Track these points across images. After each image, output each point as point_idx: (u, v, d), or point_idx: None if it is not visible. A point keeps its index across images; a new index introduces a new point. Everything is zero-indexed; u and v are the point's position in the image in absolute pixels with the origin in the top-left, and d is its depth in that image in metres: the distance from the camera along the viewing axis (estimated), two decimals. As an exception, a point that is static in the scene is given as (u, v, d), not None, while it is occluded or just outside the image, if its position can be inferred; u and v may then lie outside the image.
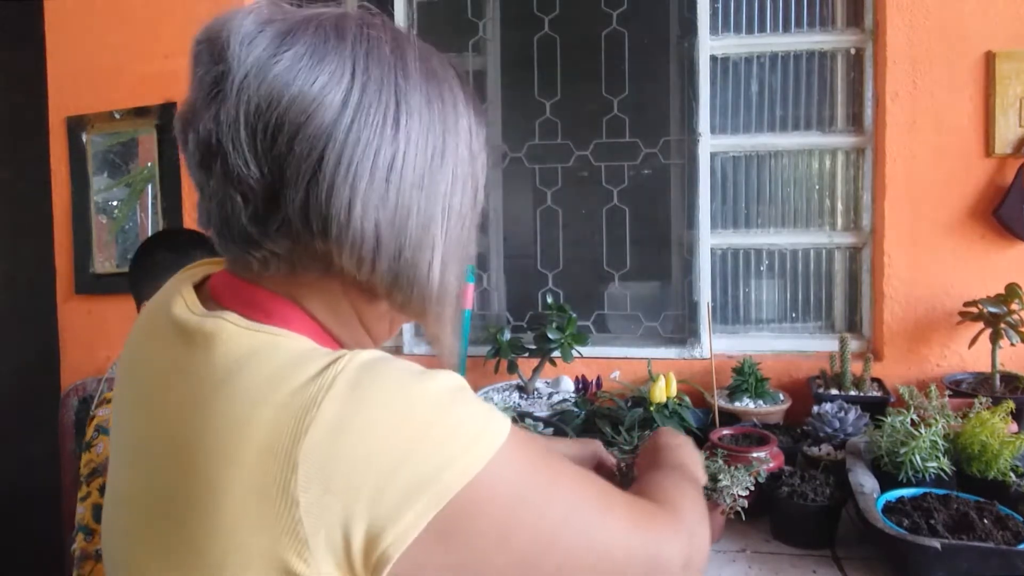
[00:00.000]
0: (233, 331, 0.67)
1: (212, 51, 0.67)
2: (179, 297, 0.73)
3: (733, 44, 2.36)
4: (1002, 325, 1.97)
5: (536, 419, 1.95)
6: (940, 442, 1.50)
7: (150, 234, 2.56)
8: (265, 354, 0.65)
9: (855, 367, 2.09)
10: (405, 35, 0.72)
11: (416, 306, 0.72)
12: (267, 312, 0.70)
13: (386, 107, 0.67)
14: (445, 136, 0.71)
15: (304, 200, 0.65)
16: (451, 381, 0.65)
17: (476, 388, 1.92)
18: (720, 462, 1.52)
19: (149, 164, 2.55)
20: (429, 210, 0.70)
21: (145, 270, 1.75)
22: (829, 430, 1.78)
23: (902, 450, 1.50)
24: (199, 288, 0.76)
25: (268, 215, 0.67)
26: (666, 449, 1.09)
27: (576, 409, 2.04)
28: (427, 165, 0.69)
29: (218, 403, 0.63)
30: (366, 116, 0.66)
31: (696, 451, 1.15)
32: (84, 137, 2.58)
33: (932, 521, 1.33)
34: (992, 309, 1.98)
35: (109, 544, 0.75)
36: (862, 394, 2.01)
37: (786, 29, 2.35)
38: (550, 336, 2.17)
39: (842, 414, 1.80)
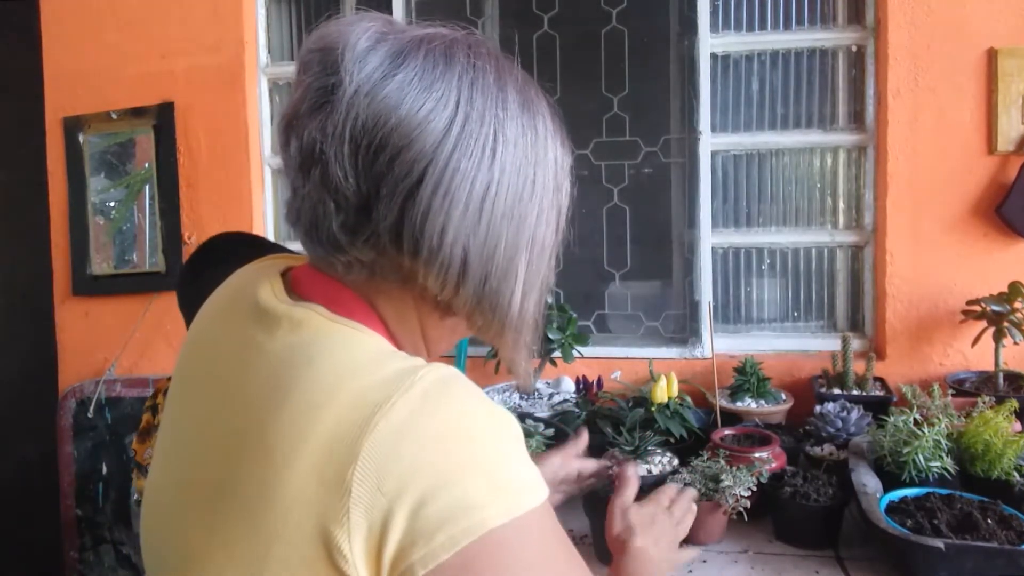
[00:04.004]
0: (321, 321, 0.70)
1: (325, 61, 0.69)
2: (267, 284, 0.76)
3: (734, 42, 2.35)
4: (1005, 323, 1.96)
5: (537, 420, 1.94)
6: (943, 442, 1.49)
7: (148, 237, 2.55)
8: (349, 346, 0.68)
9: (857, 366, 2.08)
10: (508, 65, 0.75)
11: (495, 331, 0.76)
12: (348, 309, 0.72)
13: (485, 137, 0.69)
14: (535, 168, 0.73)
15: (397, 219, 0.68)
16: (514, 426, 0.68)
17: (476, 388, 1.91)
18: (722, 462, 1.52)
19: (147, 165, 2.54)
20: (516, 240, 0.72)
21: (195, 293, 1.61)
22: (831, 430, 1.76)
23: (905, 450, 1.49)
24: (281, 278, 0.79)
25: (358, 226, 0.69)
26: (639, 558, 1.06)
27: (577, 409, 2.03)
28: (518, 196, 0.72)
29: (298, 385, 0.64)
30: (466, 146, 0.68)
31: (668, 551, 1.11)
32: (81, 138, 2.57)
33: (935, 521, 1.32)
34: (995, 307, 1.96)
35: (152, 516, 0.76)
36: (864, 393, 2.00)
37: (787, 26, 2.34)
38: (551, 336, 2.16)
39: (844, 414, 1.79)
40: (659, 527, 1.11)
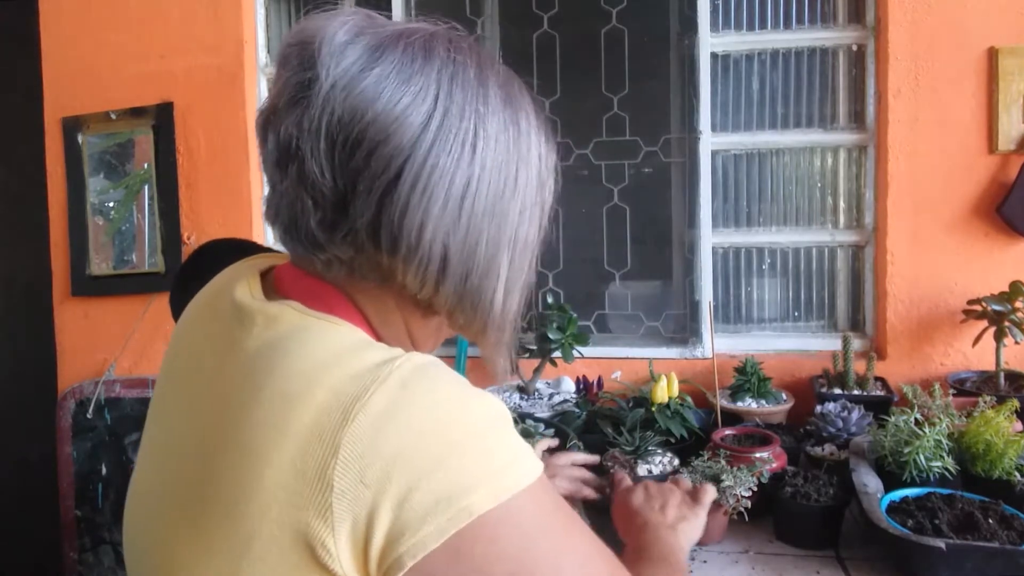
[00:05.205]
0: (296, 316, 0.69)
1: (302, 56, 0.68)
2: (244, 282, 0.75)
3: (734, 41, 2.35)
4: (1006, 323, 1.95)
5: (537, 420, 1.93)
6: (944, 441, 1.48)
7: (147, 237, 2.55)
8: (325, 338, 0.66)
9: (858, 366, 2.07)
10: (490, 60, 0.74)
11: (476, 328, 0.75)
12: (328, 305, 0.72)
13: (465, 133, 0.68)
14: (518, 165, 0.72)
15: (375, 216, 0.67)
16: (498, 407, 0.66)
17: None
18: (723, 463, 1.51)
19: (146, 165, 2.54)
20: (498, 238, 0.71)
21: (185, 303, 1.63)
22: (832, 430, 1.76)
23: (906, 449, 1.48)
24: (263, 277, 0.78)
25: (336, 222, 0.68)
26: (648, 530, 1.09)
27: (577, 410, 2.02)
28: (499, 193, 0.70)
29: (272, 379, 0.64)
30: (445, 141, 0.67)
31: (678, 505, 1.16)
32: (80, 138, 2.57)
33: (936, 521, 1.31)
34: (996, 307, 1.96)
35: (134, 517, 0.76)
36: (865, 393, 1.99)
37: (787, 26, 2.33)
38: (551, 336, 2.16)
39: (845, 413, 1.78)
40: (658, 495, 1.18)
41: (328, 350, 0.65)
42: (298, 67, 0.68)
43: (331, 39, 0.67)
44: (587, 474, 1.45)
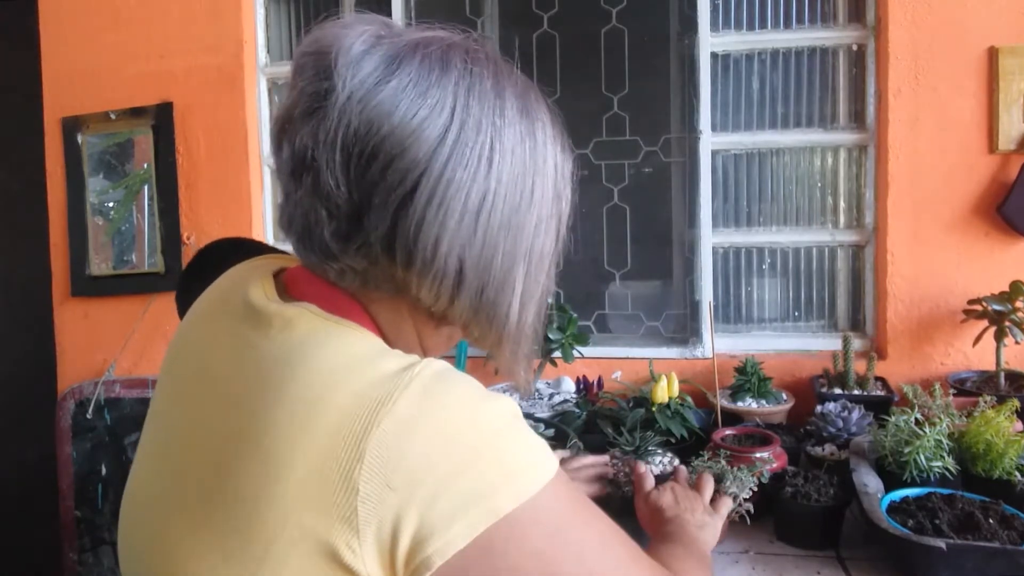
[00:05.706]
0: (314, 319, 0.69)
1: (318, 66, 0.68)
2: (258, 284, 0.75)
3: (734, 41, 2.35)
4: (1007, 323, 1.95)
5: (537, 420, 1.93)
6: (945, 441, 1.48)
7: (147, 237, 2.55)
8: (344, 342, 0.67)
9: (858, 366, 2.07)
10: (507, 69, 0.74)
11: (491, 341, 0.75)
12: (342, 310, 0.72)
13: (481, 146, 0.68)
14: (534, 177, 0.72)
15: (390, 229, 0.67)
16: (512, 407, 0.68)
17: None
18: (723, 463, 1.51)
19: (145, 165, 2.54)
20: (514, 251, 0.71)
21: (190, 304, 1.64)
22: (832, 430, 1.76)
23: (906, 449, 1.48)
24: (275, 278, 0.78)
25: (350, 234, 0.69)
26: (676, 523, 1.14)
27: (577, 410, 2.02)
28: (515, 206, 0.70)
29: (292, 383, 0.64)
30: (461, 155, 0.67)
31: (702, 512, 1.20)
32: (80, 138, 2.57)
33: (937, 521, 1.31)
34: (996, 307, 1.96)
35: (131, 517, 0.75)
36: (866, 393, 1.99)
37: (787, 25, 2.33)
38: (551, 336, 2.16)
39: (845, 413, 1.78)
40: (684, 498, 1.23)
41: (347, 354, 0.65)
42: (314, 77, 0.68)
43: (348, 49, 0.67)
44: (600, 470, 1.48)
